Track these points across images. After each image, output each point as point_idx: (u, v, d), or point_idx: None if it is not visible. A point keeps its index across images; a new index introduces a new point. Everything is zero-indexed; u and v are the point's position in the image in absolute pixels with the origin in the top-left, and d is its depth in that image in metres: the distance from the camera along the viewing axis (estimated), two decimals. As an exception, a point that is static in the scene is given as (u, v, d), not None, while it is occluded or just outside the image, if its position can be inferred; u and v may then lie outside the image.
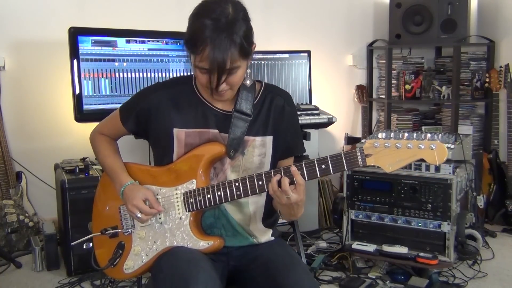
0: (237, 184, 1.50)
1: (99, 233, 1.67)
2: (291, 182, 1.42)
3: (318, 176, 1.43)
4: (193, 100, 1.60)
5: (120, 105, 1.74)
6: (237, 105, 1.57)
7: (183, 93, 1.61)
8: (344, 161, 1.40)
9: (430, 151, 1.32)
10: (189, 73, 3.25)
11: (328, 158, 1.42)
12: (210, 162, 1.57)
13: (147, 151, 2.76)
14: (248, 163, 1.58)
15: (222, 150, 1.55)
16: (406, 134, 1.37)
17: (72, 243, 1.77)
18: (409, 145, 1.33)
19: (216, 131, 1.58)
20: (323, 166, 1.42)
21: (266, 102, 1.62)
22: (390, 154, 1.35)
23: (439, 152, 1.31)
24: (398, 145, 1.34)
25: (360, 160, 1.38)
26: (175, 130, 1.58)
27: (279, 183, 1.42)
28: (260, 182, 1.47)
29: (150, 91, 1.66)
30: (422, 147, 1.32)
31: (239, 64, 1.45)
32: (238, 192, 1.50)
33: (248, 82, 1.59)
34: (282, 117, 1.63)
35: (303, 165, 1.43)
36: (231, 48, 1.40)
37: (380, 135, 1.39)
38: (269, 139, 1.60)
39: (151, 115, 1.61)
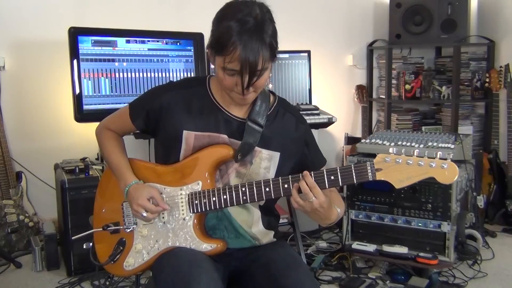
0: (243, 189, 1.49)
1: (101, 229, 1.65)
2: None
3: (327, 186, 1.43)
4: (206, 103, 1.58)
5: (121, 104, 1.73)
6: (252, 113, 1.56)
7: (197, 96, 1.59)
8: (353, 173, 1.39)
9: (441, 170, 1.31)
10: (190, 74, 3.26)
11: (338, 170, 1.41)
12: (217, 165, 1.56)
13: (147, 150, 2.77)
14: (254, 174, 1.58)
15: (230, 153, 1.54)
16: (417, 151, 1.35)
17: (73, 237, 1.75)
18: (420, 162, 1.32)
19: (225, 136, 1.56)
20: (332, 178, 1.42)
21: (278, 117, 1.62)
22: (400, 170, 1.34)
23: (450, 172, 1.31)
24: (409, 161, 1.33)
25: (370, 174, 1.38)
26: (184, 132, 1.56)
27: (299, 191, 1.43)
28: (267, 189, 1.46)
29: (163, 90, 1.64)
30: (433, 165, 1.31)
31: (267, 65, 1.44)
32: (245, 197, 1.49)
33: (270, 86, 1.60)
34: (298, 136, 1.64)
35: (312, 174, 1.43)
36: (263, 49, 1.39)
37: (391, 150, 1.37)
38: (276, 155, 1.59)
39: (162, 114, 1.59)
